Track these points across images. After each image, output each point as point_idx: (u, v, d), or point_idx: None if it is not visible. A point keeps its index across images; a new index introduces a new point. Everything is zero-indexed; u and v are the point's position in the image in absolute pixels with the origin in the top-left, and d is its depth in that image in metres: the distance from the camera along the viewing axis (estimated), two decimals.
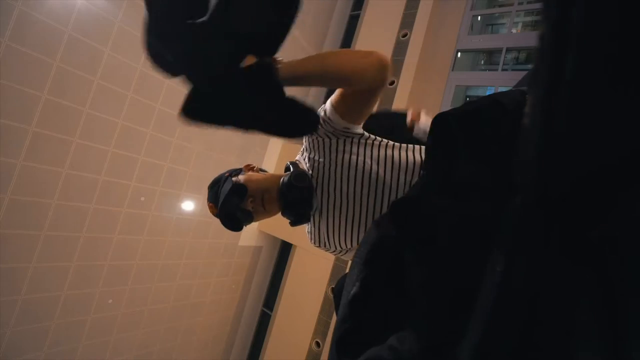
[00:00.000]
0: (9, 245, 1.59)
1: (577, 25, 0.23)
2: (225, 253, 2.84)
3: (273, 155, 3.21)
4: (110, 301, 2.08)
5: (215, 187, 0.91)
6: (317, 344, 2.72)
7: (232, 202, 0.85)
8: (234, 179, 0.89)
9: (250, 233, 3.10)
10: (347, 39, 3.56)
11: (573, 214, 0.25)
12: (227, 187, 0.86)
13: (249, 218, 0.87)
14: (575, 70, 0.23)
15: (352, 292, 0.42)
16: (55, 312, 1.82)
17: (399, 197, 0.80)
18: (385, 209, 0.82)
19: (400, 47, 2.91)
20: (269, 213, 0.89)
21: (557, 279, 0.25)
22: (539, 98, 0.25)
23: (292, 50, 3.16)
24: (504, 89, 0.68)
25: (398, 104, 2.85)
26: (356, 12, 3.58)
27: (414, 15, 2.94)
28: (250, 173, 0.94)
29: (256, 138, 2.96)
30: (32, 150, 1.60)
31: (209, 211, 0.94)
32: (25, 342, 1.71)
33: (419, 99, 2.98)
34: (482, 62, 3.52)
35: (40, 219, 1.69)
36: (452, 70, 3.04)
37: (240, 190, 0.86)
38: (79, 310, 1.93)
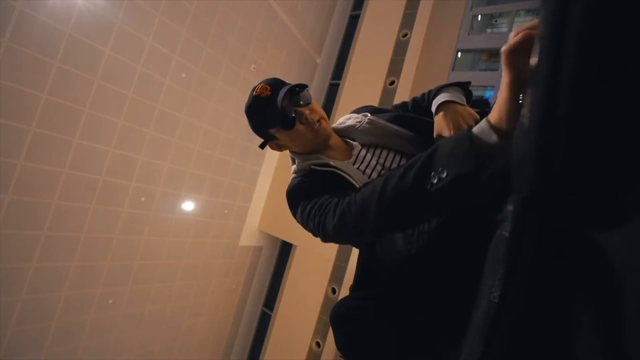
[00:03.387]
0: (9, 245, 1.59)
1: (575, 24, 0.22)
2: (225, 253, 2.84)
3: (274, 154, 3.20)
4: (110, 301, 2.08)
5: (278, 80, 0.82)
6: (318, 344, 2.72)
7: (291, 94, 0.77)
8: None
9: (251, 233, 3.10)
10: (347, 39, 3.56)
11: (571, 216, 0.25)
12: (296, 84, 0.79)
13: (292, 122, 0.77)
14: (574, 71, 0.23)
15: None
16: (56, 312, 1.82)
17: None
18: None
19: (400, 47, 2.91)
20: (308, 135, 0.79)
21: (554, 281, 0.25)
22: (538, 99, 0.25)
23: (291, 50, 3.16)
24: None
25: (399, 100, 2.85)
26: (356, 12, 3.58)
27: (414, 16, 2.94)
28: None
29: (256, 138, 2.95)
30: (32, 151, 1.60)
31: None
32: (25, 342, 1.71)
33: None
34: (483, 62, 3.52)
35: (41, 219, 1.69)
36: (452, 70, 3.04)
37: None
38: (79, 310, 1.93)
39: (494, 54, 3.13)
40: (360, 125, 0.84)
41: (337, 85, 3.32)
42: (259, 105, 0.79)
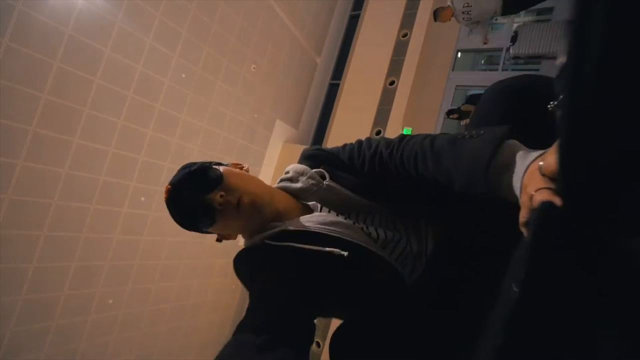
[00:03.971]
0: (9, 245, 1.59)
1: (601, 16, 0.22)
2: (225, 253, 2.84)
3: (274, 154, 3.20)
4: (110, 301, 2.08)
5: (185, 169, 0.67)
6: (318, 344, 2.72)
7: (196, 186, 0.63)
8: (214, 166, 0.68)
9: None
10: (347, 39, 3.56)
11: (605, 219, 0.24)
12: (197, 167, 0.66)
13: (209, 217, 0.63)
14: (601, 62, 0.22)
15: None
16: (56, 312, 1.82)
17: None
18: None
19: (401, 47, 2.91)
20: (237, 221, 0.65)
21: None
22: (569, 91, 0.24)
23: (291, 50, 3.16)
24: None
25: (398, 105, 2.85)
26: (356, 12, 3.58)
27: (414, 16, 2.94)
28: (236, 169, 0.72)
29: (257, 138, 2.96)
30: (33, 151, 1.60)
31: None
32: (25, 342, 1.71)
33: (420, 98, 2.97)
34: (482, 62, 3.52)
35: (41, 219, 1.69)
36: (452, 70, 3.04)
37: (213, 174, 0.64)
38: (79, 310, 1.93)
39: (492, 54, 3.13)
40: (316, 190, 0.70)
41: (337, 85, 3.32)
42: (171, 212, 0.66)
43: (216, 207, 0.62)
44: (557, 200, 0.28)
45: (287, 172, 0.76)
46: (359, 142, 0.72)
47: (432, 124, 2.89)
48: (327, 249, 0.58)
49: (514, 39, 2.55)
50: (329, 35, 3.65)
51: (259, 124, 2.96)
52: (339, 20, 3.70)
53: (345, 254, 0.58)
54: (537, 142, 0.42)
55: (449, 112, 2.67)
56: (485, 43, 2.46)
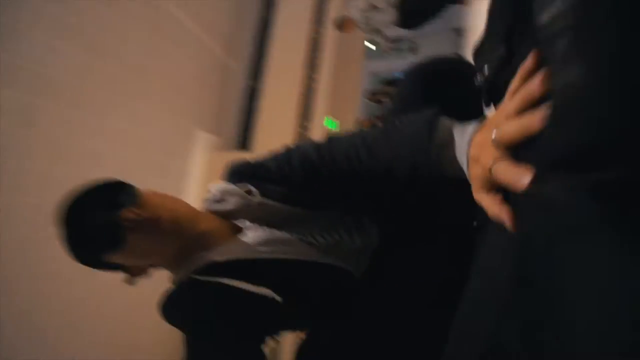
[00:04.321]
0: None
1: None
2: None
3: (199, 166, 2.99)
4: None
5: (89, 184, 0.56)
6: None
7: (106, 200, 0.54)
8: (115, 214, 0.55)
9: None
10: (262, 41, 3.49)
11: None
12: (106, 181, 0.56)
13: (117, 236, 0.54)
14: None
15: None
16: None
17: None
18: None
19: (316, 44, 2.97)
20: (153, 243, 0.58)
21: None
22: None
23: (201, 57, 2.98)
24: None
25: (320, 99, 2.90)
26: (267, 14, 3.53)
27: (326, 12, 3.02)
28: (151, 201, 0.59)
29: (177, 151, 2.73)
30: None
31: None
32: None
33: (340, 89, 3.07)
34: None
35: None
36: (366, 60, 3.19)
37: (127, 189, 0.56)
38: None
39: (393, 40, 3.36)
40: (248, 210, 0.64)
41: (256, 87, 3.25)
42: (66, 232, 0.55)
43: (126, 225, 0.52)
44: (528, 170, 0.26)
45: (212, 192, 0.69)
46: (287, 149, 0.67)
47: (355, 111, 2.97)
48: (261, 291, 0.53)
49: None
50: (241, 38, 3.54)
51: (177, 136, 2.73)
52: (250, 22, 3.60)
53: (279, 299, 0.53)
54: (461, 118, 0.44)
55: (372, 94, 2.79)
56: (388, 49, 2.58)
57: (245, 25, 3.59)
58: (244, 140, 3.71)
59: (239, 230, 0.65)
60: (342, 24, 2.40)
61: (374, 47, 3.15)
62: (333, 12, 3.03)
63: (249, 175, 0.66)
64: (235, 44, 3.51)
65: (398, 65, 3.44)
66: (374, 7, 2.25)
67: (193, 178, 2.93)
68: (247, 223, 0.64)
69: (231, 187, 0.66)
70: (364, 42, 3.13)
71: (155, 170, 2.51)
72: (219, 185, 0.69)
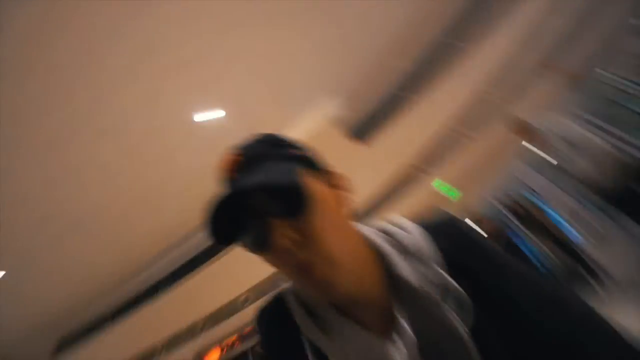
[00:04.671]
0: None
1: None
2: None
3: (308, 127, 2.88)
4: None
5: (265, 161, 0.45)
6: None
7: (269, 199, 0.40)
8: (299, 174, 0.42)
9: None
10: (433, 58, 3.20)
11: None
12: (280, 176, 0.42)
13: (261, 242, 0.42)
14: None
15: None
16: None
17: None
18: None
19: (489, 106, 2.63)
20: (289, 274, 0.43)
21: None
22: None
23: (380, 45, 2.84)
24: None
25: (458, 146, 2.59)
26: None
27: None
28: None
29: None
30: None
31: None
32: None
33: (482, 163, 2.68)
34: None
35: None
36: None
37: (297, 197, 0.40)
38: None
39: None
40: (420, 303, 0.42)
41: (402, 98, 3.05)
42: (226, 186, 0.44)
43: (276, 241, 0.40)
44: None
45: (404, 229, 0.47)
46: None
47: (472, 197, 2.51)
48: None
49: None
50: (419, 46, 3.28)
51: (313, 83, 2.54)
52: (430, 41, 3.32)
53: None
54: None
55: (512, 200, 2.34)
56: None
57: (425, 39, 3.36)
58: (362, 133, 3.55)
59: (392, 320, 0.42)
60: (520, 129, 2.17)
61: (554, 162, 2.72)
62: (519, 112, 2.64)
63: (455, 247, 0.44)
64: (409, 51, 3.31)
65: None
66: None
67: (293, 131, 2.87)
68: (404, 323, 0.41)
69: (432, 254, 0.44)
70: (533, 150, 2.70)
71: (268, 100, 2.43)
72: (420, 234, 0.46)
